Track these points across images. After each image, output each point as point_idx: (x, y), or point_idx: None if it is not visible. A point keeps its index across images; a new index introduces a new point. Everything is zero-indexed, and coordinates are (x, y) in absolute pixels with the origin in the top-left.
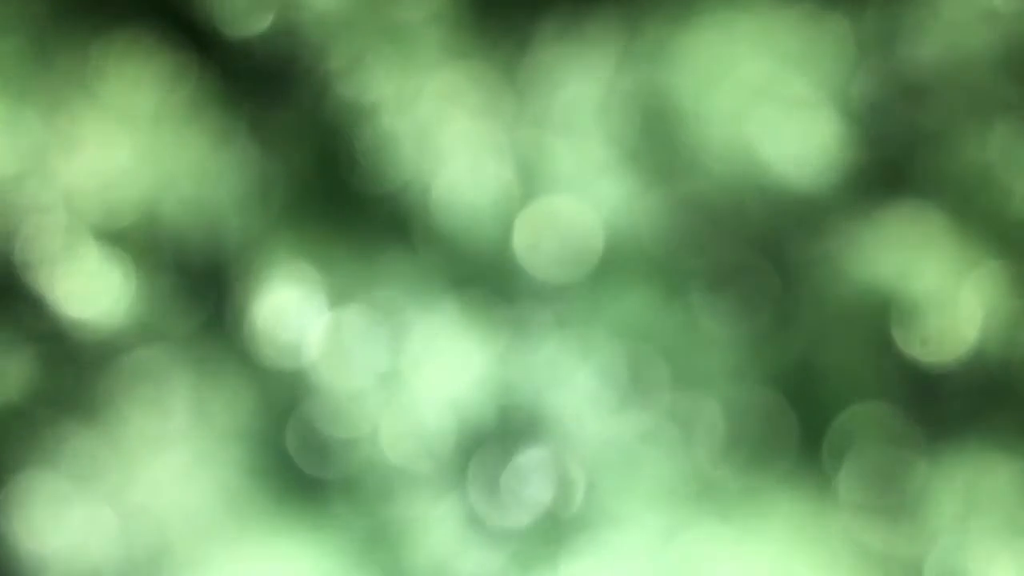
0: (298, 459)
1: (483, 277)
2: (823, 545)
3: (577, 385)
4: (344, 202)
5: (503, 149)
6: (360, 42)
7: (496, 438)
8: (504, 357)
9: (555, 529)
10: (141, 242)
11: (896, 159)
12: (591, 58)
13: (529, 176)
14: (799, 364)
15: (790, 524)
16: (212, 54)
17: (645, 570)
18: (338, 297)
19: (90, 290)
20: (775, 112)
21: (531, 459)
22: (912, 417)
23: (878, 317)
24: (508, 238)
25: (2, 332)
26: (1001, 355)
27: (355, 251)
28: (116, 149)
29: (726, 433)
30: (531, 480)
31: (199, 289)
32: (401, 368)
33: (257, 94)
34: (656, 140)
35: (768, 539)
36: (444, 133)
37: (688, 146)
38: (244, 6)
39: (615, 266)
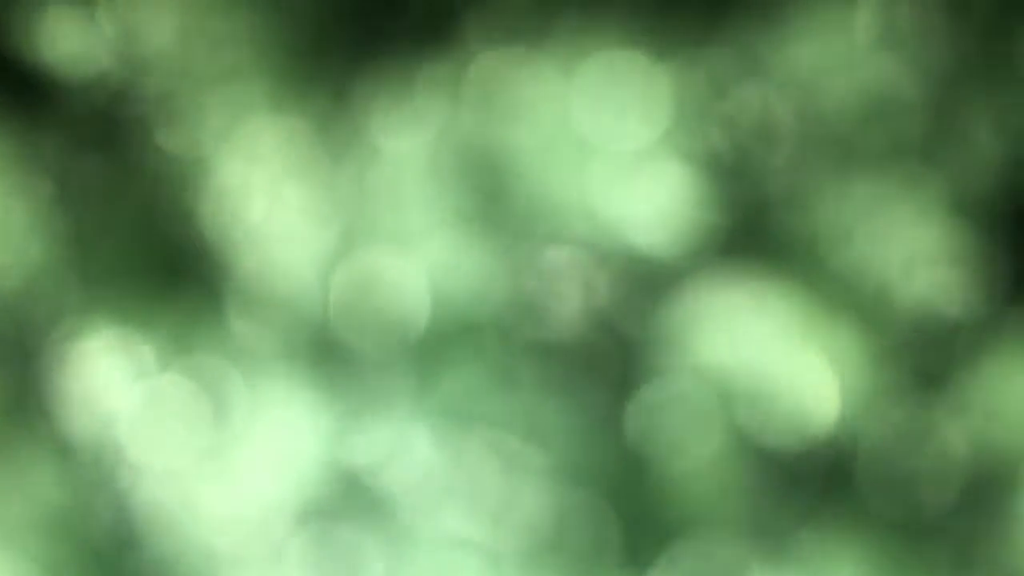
0: (110, 546)
1: (310, 344)
2: None
3: (406, 463)
4: (162, 263)
5: (322, 205)
6: (177, 91)
7: (328, 517)
8: (335, 432)
9: None
10: None
11: (747, 218)
12: (418, 109)
13: (349, 235)
14: (633, 460)
15: None
16: (15, 99)
17: None
18: (155, 365)
19: None
20: (617, 167)
21: (364, 541)
22: (753, 509)
23: (725, 397)
24: (327, 300)
25: None
26: (852, 441)
27: (173, 314)
28: None
29: (546, 537)
30: (365, 563)
31: (6, 359)
32: (225, 442)
33: (67, 144)
34: (489, 198)
35: None
36: (263, 188)
37: (524, 204)
38: (64, 51)
39: (445, 335)
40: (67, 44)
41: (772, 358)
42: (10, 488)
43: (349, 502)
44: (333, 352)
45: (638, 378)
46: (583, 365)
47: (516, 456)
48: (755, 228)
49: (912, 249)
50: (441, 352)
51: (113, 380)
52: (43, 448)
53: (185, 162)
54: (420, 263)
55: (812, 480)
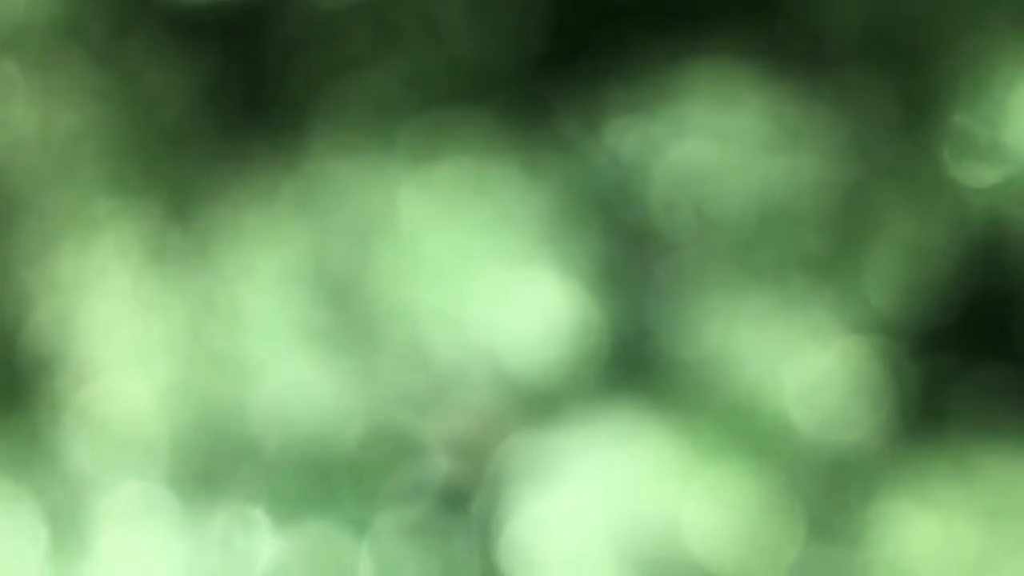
0: None
1: (165, 472)
2: None
3: None
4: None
5: (166, 329)
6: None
7: None
8: (195, 560)
9: None
10: None
11: (628, 342)
12: (266, 224)
13: (196, 359)
14: None
15: None
16: None
17: None
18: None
19: None
20: (487, 282)
21: None
22: None
23: (600, 542)
24: (177, 429)
25: None
26: None
27: (13, 442)
28: None
29: None
30: None
31: None
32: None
33: None
34: (344, 321)
35: None
36: (98, 307)
37: (383, 327)
38: None
39: (295, 475)
40: None
41: (656, 500)
42: None
43: None
44: (186, 482)
45: (507, 518)
46: (444, 509)
47: None
48: (639, 350)
49: (807, 373)
50: (294, 489)
51: None
52: None
53: (15, 280)
54: (269, 391)
55: None
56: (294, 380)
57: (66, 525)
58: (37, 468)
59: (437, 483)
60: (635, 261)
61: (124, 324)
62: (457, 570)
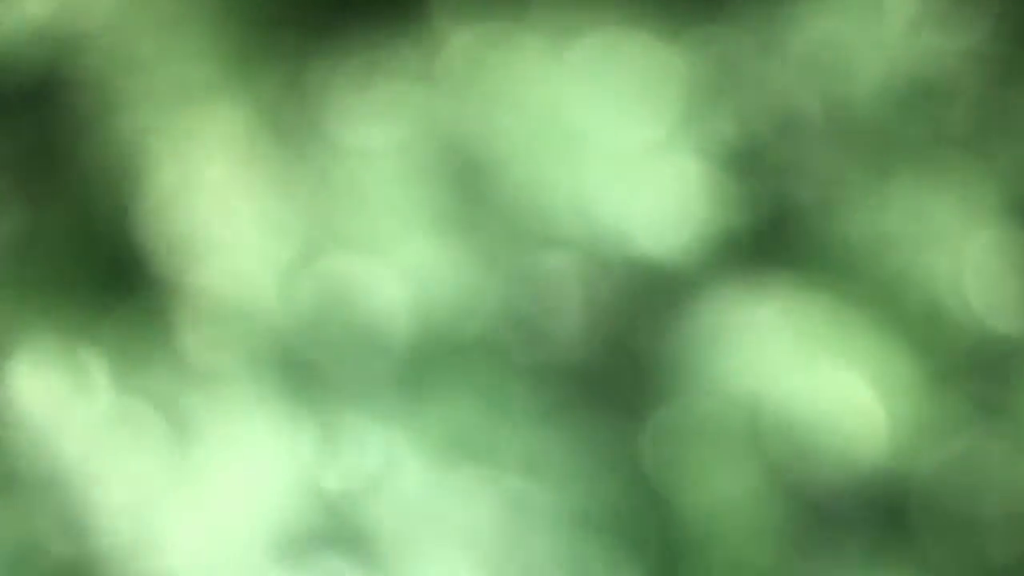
0: None
1: (276, 362)
2: None
3: (393, 494)
4: (106, 272)
5: (282, 209)
6: (116, 78)
7: (307, 550)
8: (313, 455)
9: None
10: None
11: (771, 222)
12: (387, 98)
13: (317, 243)
14: (650, 499)
15: None
16: None
17: None
18: (103, 384)
19: None
20: (619, 162)
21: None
22: (795, 556)
23: (752, 426)
24: (294, 314)
25: None
26: (904, 476)
27: (119, 328)
28: None
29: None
30: None
31: None
32: (188, 470)
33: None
34: (470, 198)
35: None
36: (211, 186)
37: (511, 205)
38: None
39: (427, 357)
40: None
41: (807, 381)
42: None
43: (327, 534)
44: (303, 371)
45: (651, 405)
46: (586, 390)
47: (516, 495)
48: (780, 232)
49: (962, 256)
50: (424, 375)
51: (57, 401)
52: None
53: (125, 158)
54: (396, 272)
55: (857, 523)
56: (419, 260)
57: (178, 411)
58: (149, 352)
59: (572, 365)
60: (777, 140)
61: (239, 202)
62: (601, 453)
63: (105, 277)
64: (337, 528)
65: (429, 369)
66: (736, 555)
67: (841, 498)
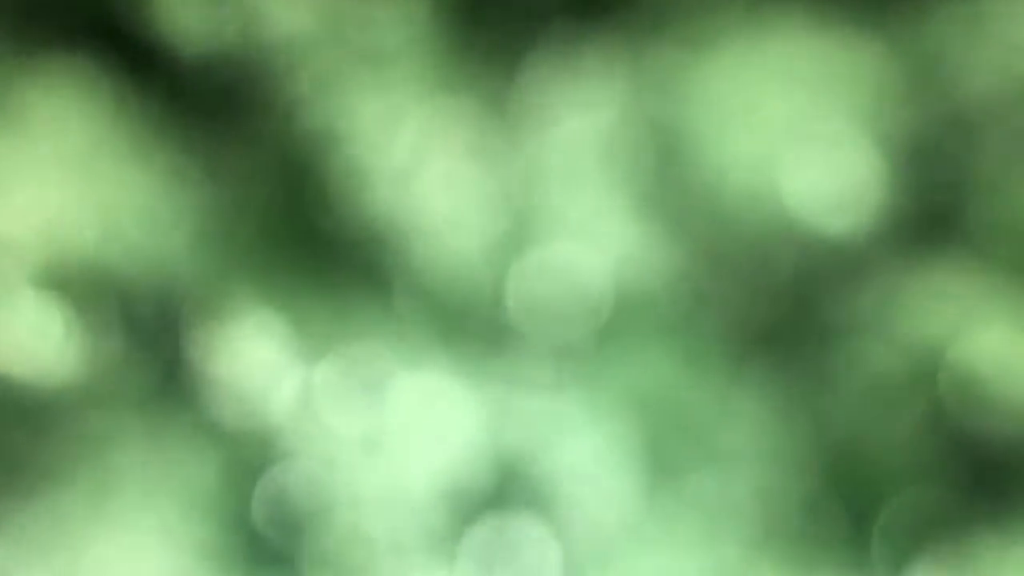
0: (267, 533)
1: (474, 330)
2: None
3: (579, 452)
4: (316, 246)
5: (493, 190)
6: (331, 66)
7: (491, 508)
8: (499, 419)
9: None
10: (85, 292)
11: (945, 204)
12: (594, 89)
13: (523, 221)
14: (839, 441)
15: None
16: (160, 79)
17: None
18: (310, 351)
19: (30, 345)
20: (805, 151)
21: (530, 532)
22: (974, 499)
23: (928, 383)
24: (501, 288)
25: None
26: None
27: (329, 300)
28: (52, 190)
29: (758, 522)
30: (529, 556)
31: (152, 344)
32: (383, 430)
33: (213, 124)
34: (669, 182)
35: None
36: (426, 170)
37: (706, 189)
38: (197, 23)
39: (624, 323)
40: (189, 17)
41: (976, 339)
42: (164, 474)
43: (515, 493)
44: (500, 338)
45: (832, 362)
46: (770, 350)
47: (708, 441)
48: (953, 214)
49: None
50: (623, 339)
51: (268, 366)
52: (200, 433)
53: (338, 140)
54: (600, 249)
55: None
56: (618, 237)
57: (376, 376)
58: (359, 324)
59: (759, 328)
60: (951, 130)
61: (458, 184)
62: (786, 405)
63: (321, 252)
64: (519, 487)
65: (626, 334)
66: (912, 496)
67: (1010, 448)
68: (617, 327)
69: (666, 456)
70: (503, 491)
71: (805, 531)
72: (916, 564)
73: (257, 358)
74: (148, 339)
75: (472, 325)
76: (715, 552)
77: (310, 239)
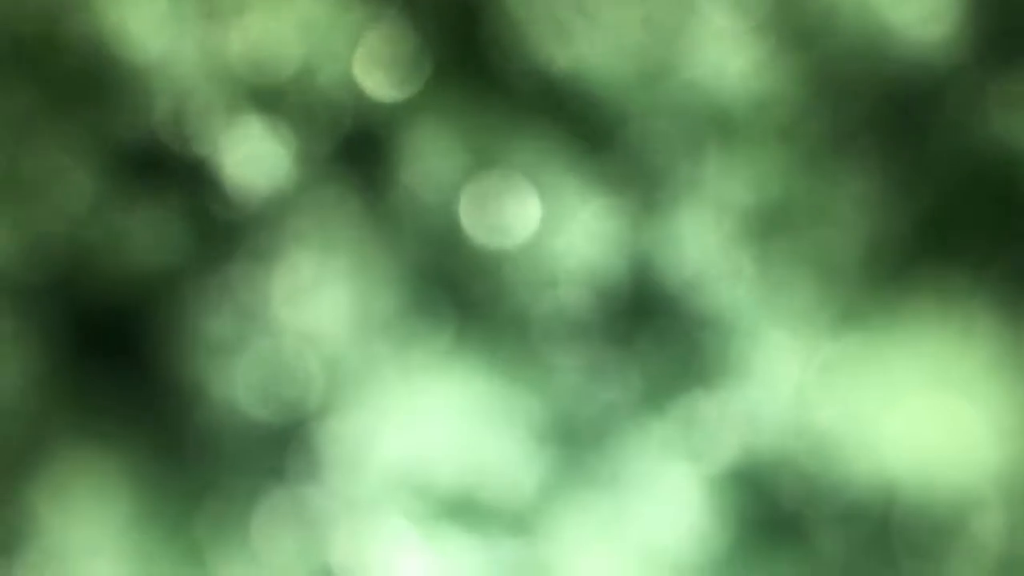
0: (448, 305)
1: (617, 141)
2: (971, 356)
3: (713, 241)
4: (488, 72)
5: (638, 15)
6: None
7: (629, 298)
8: (637, 217)
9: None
10: (298, 109)
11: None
12: None
13: (667, 47)
14: (931, 218)
15: (939, 339)
16: None
17: (791, 388)
18: (481, 162)
19: (250, 157)
20: None
21: (666, 317)
22: None
23: (1008, 174)
24: (644, 104)
25: (164, 202)
26: None
27: (496, 119)
28: (271, 18)
29: (869, 258)
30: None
31: (354, 152)
32: (543, 227)
33: None
34: (788, 9)
35: (917, 351)
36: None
37: (820, 14)
38: None
39: (747, 130)
40: None
41: None
42: (375, 247)
43: (654, 288)
44: (641, 146)
45: (926, 159)
46: (872, 152)
47: (821, 218)
48: None
49: None
50: (744, 144)
51: (445, 174)
52: (398, 223)
53: None
54: (731, 67)
55: None
56: (744, 56)
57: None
58: (505, 144)
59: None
60: None
61: (599, 13)
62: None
63: (484, 81)
64: (657, 282)
65: (747, 139)
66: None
67: None
68: (740, 132)
69: (782, 225)
70: (638, 282)
71: (906, 268)
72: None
73: (437, 167)
74: (351, 149)
75: (617, 134)
76: (829, 286)
77: (482, 67)
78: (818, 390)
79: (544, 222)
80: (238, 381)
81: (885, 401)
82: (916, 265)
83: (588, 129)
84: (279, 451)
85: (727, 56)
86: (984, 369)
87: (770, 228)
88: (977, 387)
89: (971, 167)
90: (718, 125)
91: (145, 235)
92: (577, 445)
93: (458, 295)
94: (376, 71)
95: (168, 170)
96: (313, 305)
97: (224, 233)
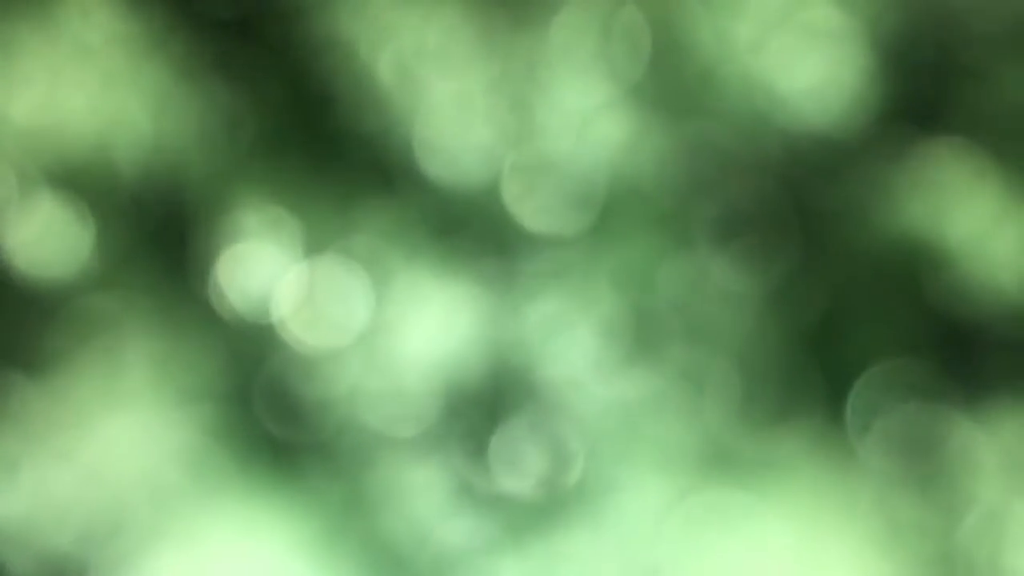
0: (267, 421)
1: (471, 225)
2: (847, 514)
3: (576, 342)
4: (319, 143)
5: (493, 85)
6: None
7: (486, 399)
8: (495, 311)
9: (551, 497)
10: (97, 184)
11: (928, 95)
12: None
13: (522, 115)
14: (822, 319)
15: (812, 492)
16: None
17: (647, 538)
18: (312, 244)
19: (43, 237)
20: (796, 43)
21: (524, 422)
22: (946, 374)
23: (908, 266)
24: (499, 183)
25: None
26: None
27: (330, 195)
28: (68, 84)
29: (742, 393)
30: (524, 445)
31: (159, 236)
32: (381, 323)
33: (224, 26)
34: (664, 74)
35: (787, 507)
36: (427, 68)
37: (699, 80)
38: None
39: (618, 212)
40: None
41: (956, 227)
42: (174, 359)
43: (510, 384)
44: (498, 232)
45: (819, 250)
46: (760, 233)
47: (697, 322)
48: (937, 104)
49: None
50: (616, 226)
51: (271, 258)
52: (204, 322)
53: (343, 40)
54: (596, 140)
55: (1004, 346)
56: (616, 129)
57: (378, 273)
58: (356, 220)
59: (748, 214)
60: (934, 26)
61: (455, 80)
62: (769, 280)
63: (325, 151)
64: (514, 379)
65: (617, 222)
66: (891, 372)
67: (986, 325)
68: (610, 215)
69: (657, 338)
70: (497, 382)
71: (784, 402)
72: (883, 433)
73: (262, 251)
74: (157, 231)
75: (471, 217)
76: (697, 420)
77: (314, 136)
78: (677, 539)
79: (383, 316)
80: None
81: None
82: (794, 406)
83: (437, 210)
84: None
85: (591, 130)
86: (861, 538)
87: (636, 338)
88: (852, 559)
89: (871, 262)
90: (580, 208)
91: None
92: None
93: (276, 411)
94: (183, 139)
95: None
96: (99, 432)
97: (13, 323)
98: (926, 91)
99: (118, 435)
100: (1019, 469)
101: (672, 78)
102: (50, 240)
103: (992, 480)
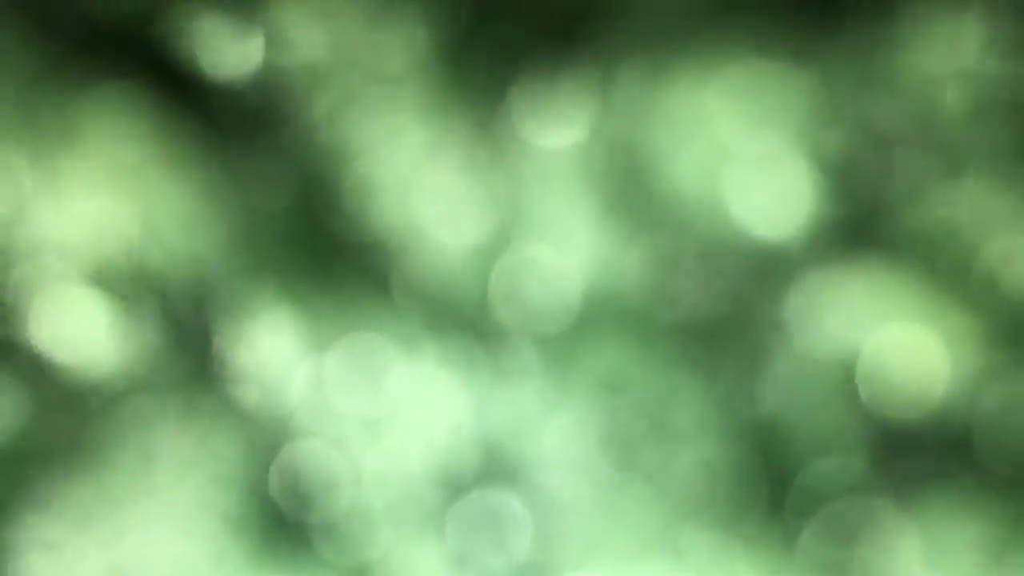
0: (281, 504)
1: (462, 324)
2: None
3: (553, 434)
4: (327, 249)
5: (480, 199)
6: (344, 89)
7: (475, 484)
8: (482, 403)
9: (523, 571)
10: (128, 290)
11: (865, 214)
12: (569, 111)
13: (506, 227)
14: (767, 420)
15: None
16: (196, 101)
17: None
18: (320, 342)
19: (79, 337)
20: (747, 168)
21: (507, 506)
22: (877, 473)
23: (846, 372)
24: (486, 286)
25: None
26: (967, 411)
27: (337, 296)
28: (102, 198)
29: (697, 489)
30: (507, 527)
31: (186, 336)
32: (382, 413)
33: (242, 140)
34: (632, 193)
35: None
36: (423, 182)
37: (663, 200)
38: (228, 52)
39: (593, 317)
40: (221, 47)
41: (890, 337)
42: (195, 452)
43: (496, 469)
44: (485, 331)
45: (766, 355)
46: (713, 344)
47: (660, 420)
48: (873, 223)
49: (1013, 242)
50: (591, 330)
51: (283, 355)
52: (224, 416)
53: (348, 155)
54: (573, 251)
55: (931, 446)
56: (587, 241)
57: (377, 366)
58: (363, 318)
59: (703, 324)
60: (872, 149)
61: (446, 195)
62: (724, 389)
63: (329, 255)
64: (500, 465)
65: (593, 327)
66: (827, 470)
67: (915, 428)
68: (587, 320)
69: (624, 435)
70: (487, 469)
71: (732, 497)
72: (820, 525)
73: (275, 348)
74: (183, 332)
75: (460, 319)
76: (657, 518)
77: (322, 243)
78: None
79: (383, 406)
80: None
81: None
82: (741, 500)
83: (431, 311)
84: None
85: (569, 239)
86: None
87: (606, 433)
88: None
89: (813, 368)
90: (559, 311)
91: None
92: None
93: (290, 495)
94: (206, 247)
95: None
96: (132, 521)
97: (52, 418)
98: (863, 211)
99: (149, 524)
100: (943, 553)
101: (639, 198)
102: (85, 340)
103: (919, 565)
